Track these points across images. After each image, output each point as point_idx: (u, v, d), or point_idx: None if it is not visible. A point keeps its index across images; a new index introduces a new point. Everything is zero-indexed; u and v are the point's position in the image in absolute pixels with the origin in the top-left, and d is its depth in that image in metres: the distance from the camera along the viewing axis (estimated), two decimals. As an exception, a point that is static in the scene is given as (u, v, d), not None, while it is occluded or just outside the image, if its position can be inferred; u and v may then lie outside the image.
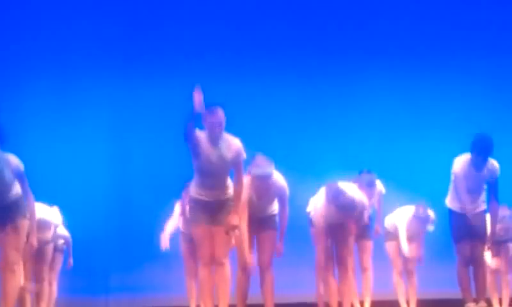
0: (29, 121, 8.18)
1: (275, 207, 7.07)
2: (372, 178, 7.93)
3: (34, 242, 6.63)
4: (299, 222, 7.43)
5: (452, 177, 7.38)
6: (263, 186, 6.86)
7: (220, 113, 6.32)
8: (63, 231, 8.11)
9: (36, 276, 7.53)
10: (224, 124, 6.34)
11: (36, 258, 7.44)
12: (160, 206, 8.49)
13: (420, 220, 8.17)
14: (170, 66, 10.04)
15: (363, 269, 8.27)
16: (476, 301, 7.35)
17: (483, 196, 7.38)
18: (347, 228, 7.11)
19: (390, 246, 8.39)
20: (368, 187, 7.72)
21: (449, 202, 7.43)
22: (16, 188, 6.53)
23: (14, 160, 6.62)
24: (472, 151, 7.27)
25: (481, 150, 7.25)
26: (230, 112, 6.39)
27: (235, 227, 6.44)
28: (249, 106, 8.70)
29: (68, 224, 8.17)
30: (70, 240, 8.28)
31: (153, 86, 10.02)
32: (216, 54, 10.04)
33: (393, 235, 8.34)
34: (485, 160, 7.25)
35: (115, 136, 9.91)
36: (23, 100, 9.39)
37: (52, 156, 7.99)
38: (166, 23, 10.25)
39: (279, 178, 7.00)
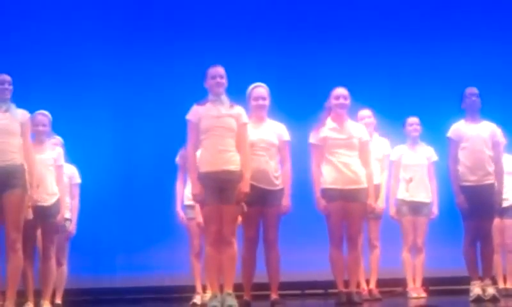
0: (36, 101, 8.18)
1: (280, 180, 7.05)
2: None
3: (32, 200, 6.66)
4: (305, 196, 7.39)
5: (450, 144, 7.39)
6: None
7: (221, 67, 6.64)
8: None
9: (42, 254, 7.51)
10: (225, 80, 6.63)
11: (42, 235, 7.43)
12: (166, 185, 8.48)
13: None
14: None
15: (371, 247, 8.28)
16: (482, 279, 7.34)
17: (489, 166, 7.33)
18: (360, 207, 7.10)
19: (405, 221, 8.34)
20: None
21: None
22: (19, 153, 6.54)
23: (24, 113, 6.69)
24: (462, 101, 7.36)
25: (469, 94, 7.32)
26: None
27: (247, 194, 6.46)
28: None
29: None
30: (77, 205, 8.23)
31: (157, 64, 9.99)
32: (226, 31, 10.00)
33: (409, 209, 8.31)
34: (476, 106, 7.29)
35: (120, 117, 9.88)
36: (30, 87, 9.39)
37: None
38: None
39: (280, 126, 7.14)
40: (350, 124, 7.22)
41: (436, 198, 8.40)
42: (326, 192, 7.06)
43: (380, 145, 8.29)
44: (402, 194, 8.36)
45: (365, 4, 10.28)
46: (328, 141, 7.06)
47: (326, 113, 7.20)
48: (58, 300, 7.99)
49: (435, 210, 8.39)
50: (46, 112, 7.54)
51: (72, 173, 8.06)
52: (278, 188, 7.03)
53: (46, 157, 7.38)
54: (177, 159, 8.17)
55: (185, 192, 8.05)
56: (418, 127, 8.45)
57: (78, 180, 8.17)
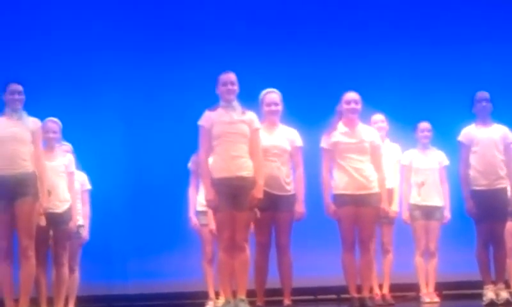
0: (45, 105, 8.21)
1: (291, 185, 7.04)
2: None
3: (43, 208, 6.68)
4: (317, 201, 7.39)
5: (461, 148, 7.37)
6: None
7: (232, 74, 6.69)
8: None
9: (54, 261, 7.52)
10: (237, 86, 6.66)
11: (54, 242, 7.45)
12: (178, 191, 8.48)
13: None
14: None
15: (384, 251, 8.26)
16: (495, 283, 7.32)
17: (500, 170, 7.30)
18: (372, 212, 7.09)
19: (417, 225, 8.30)
20: None
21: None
22: (30, 161, 6.56)
23: (35, 121, 6.71)
24: (473, 105, 7.34)
25: (480, 98, 7.30)
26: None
27: (260, 200, 6.47)
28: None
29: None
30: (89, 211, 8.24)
31: (168, 67, 10.01)
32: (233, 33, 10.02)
33: (421, 213, 8.29)
34: (487, 111, 7.27)
35: (132, 123, 9.89)
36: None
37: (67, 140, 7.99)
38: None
39: (293, 131, 7.17)
40: (361, 128, 7.21)
41: (449, 202, 8.37)
42: (337, 198, 7.05)
43: (392, 150, 8.27)
44: (415, 198, 8.33)
45: (377, 8, 10.25)
46: (339, 146, 7.06)
47: (338, 117, 7.20)
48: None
49: (447, 214, 8.37)
50: (56, 119, 7.57)
51: (82, 179, 8.08)
52: (289, 193, 7.03)
53: (57, 164, 7.40)
54: (190, 165, 8.17)
55: (198, 198, 8.05)
56: (429, 133, 8.43)
57: (88, 186, 8.19)
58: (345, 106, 7.16)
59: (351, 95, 7.18)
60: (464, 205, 7.33)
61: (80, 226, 7.86)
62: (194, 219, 8.17)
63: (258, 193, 6.53)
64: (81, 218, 7.95)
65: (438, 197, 8.33)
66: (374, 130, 7.53)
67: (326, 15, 10.23)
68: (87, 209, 8.12)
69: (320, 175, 7.15)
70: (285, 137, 7.10)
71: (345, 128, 7.13)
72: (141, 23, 10.10)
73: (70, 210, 7.43)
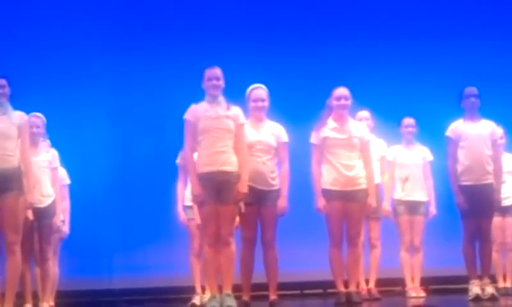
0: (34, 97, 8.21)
1: (276, 180, 7.05)
2: None
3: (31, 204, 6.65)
4: (304, 196, 7.39)
5: (448, 143, 7.39)
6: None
7: (218, 69, 6.66)
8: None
9: (39, 256, 7.50)
10: (222, 81, 6.64)
11: (39, 237, 7.42)
12: (165, 185, 8.47)
13: None
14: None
15: (372, 246, 8.27)
16: (481, 278, 7.34)
17: (488, 165, 7.32)
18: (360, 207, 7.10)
19: (401, 220, 8.31)
20: None
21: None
22: (16, 156, 6.51)
23: (21, 116, 6.66)
24: (462, 100, 7.34)
25: (469, 94, 7.31)
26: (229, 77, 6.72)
27: (245, 195, 6.47)
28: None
29: (72, 203, 8.15)
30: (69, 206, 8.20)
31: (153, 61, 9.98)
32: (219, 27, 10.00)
33: (405, 208, 8.30)
34: (476, 107, 7.30)
35: (119, 116, 9.86)
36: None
37: (51, 138, 7.94)
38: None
39: (279, 127, 7.15)
40: (351, 124, 7.21)
41: (433, 198, 8.38)
42: (325, 193, 7.05)
43: (377, 146, 8.27)
44: (399, 193, 8.34)
45: (362, 4, 10.26)
46: (329, 141, 7.05)
47: (328, 112, 7.19)
48: (51, 302, 7.97)
49: (433, 209, 8.37)
50: (40, 114, 7.54)
51: (61, 174, 8.02)
52: (275, 188, 7.03)
53: (40, 159, 7.38)
54: (178, 160, 8.14)
55: (185, 193, 8.04)
56: (413, 129, 8.44)
57: (67, 181, 8.15)
58: (335, 102, 7.15)
59: (341, 91, 7.17)
60: (455, 200, 7.33)
61: (60, 221, 7.82)
62: (182, 214, 8.15)
63: (243, 188, 6.54)
64: (61, 213, 7.91)
65: (422, 192, 8.33)
66: (363, 125, 7.54)
67: (312, 12, 10.24)
68: (67, 204, 8.07)
69: (311, 170, 7.15)
70: (271, 132, 7.10)
71: (334, 123, 7.13)
72: (126, 19, 10.07)
73: (53, 204, 7.42)
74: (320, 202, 7.06)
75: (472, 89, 7.39)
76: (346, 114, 7.19)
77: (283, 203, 7.05)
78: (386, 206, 8.22)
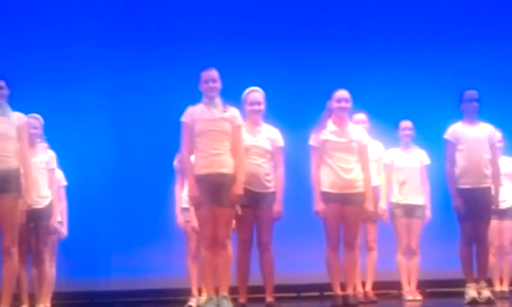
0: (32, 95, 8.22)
1: (272, 183, 7.06)
2: None
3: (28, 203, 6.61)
4: (301, 198, 7.38)
5: (447, 146, 7.39)
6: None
7: (214, 71, 6.66)
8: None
9: (36, 258, 7.50)
10: (219, 83, 6.64)
11: (36, 239, 7.42)
12: (162, 187, 8.47)
13: None
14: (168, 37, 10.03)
15: (369, 249, 8.27)
16: (477, 281, 7.34)
17: (486, 169, 7.32)
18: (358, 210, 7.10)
19: (399, 224, 8.31)
20: None
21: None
22: (15, 157, 6.50)
23: (20, 117, 6.64)
24: (461, 103, 7.34)
25: (469, 98, 7.31)
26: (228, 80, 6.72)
27: (240, 197, 6.48)
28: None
29: (69, 204, 8.14)
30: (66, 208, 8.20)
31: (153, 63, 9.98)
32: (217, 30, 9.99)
33: (403, 211, 8.30)
34: (476, 111, 7.29)
35: (117, 119, 9.85)
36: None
37: (49, 140, 7.95)
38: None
39: (274, 131, 7.15)
40: (351, 127, 7.20)
41: (429, 201, 8.38)
42: (323, 195, 7.05)
43: (374, 148, 8.27)
44: (396, 197, 8.34)
45: (360, 7, 10.26)
46: (328, 144, 7.05)
47: (327, 114, 7.19)
48: (48, 304, 7.96)
49: (428, 213, 8.37)
50: (37, 115, 7.54)
51: (58, 176, 8.00)
52: (270, 191, 7.04)
53: (38, 160, 7.38)
54: (175, 163, 8.13)
55: (183, 195, 8.03)
56: (411, 132, 8.43)
57: (64, 183, 8.14)
58: (335, 104, 7.15)
59: (342, 93, 7.16)
60: (452, 202, 7.34)
61: (58, 223, 7.82)
62: (180, 217, 8.14)
63: (239, 189, 6.55)
64: (59, 214, 7.90)
65: (419, 195, 8.33)
66: (362, 129, 7.54)
67: (309, 14, 10.23)
68: (64, 205, 8.07)
69: (310, 173, 7.14)
70: (267, 136, 7.10)
71: (334, 126, 7.12)
72: (125, 21, 10.06)
73: (50, 205, 7.42)
74: (319, 205, 7.06)
75: (473, 93, 7.37)
76: (346, 117, 7.19)
77: (278, 207, 7.06)
78: (383, 204, 8.21)
